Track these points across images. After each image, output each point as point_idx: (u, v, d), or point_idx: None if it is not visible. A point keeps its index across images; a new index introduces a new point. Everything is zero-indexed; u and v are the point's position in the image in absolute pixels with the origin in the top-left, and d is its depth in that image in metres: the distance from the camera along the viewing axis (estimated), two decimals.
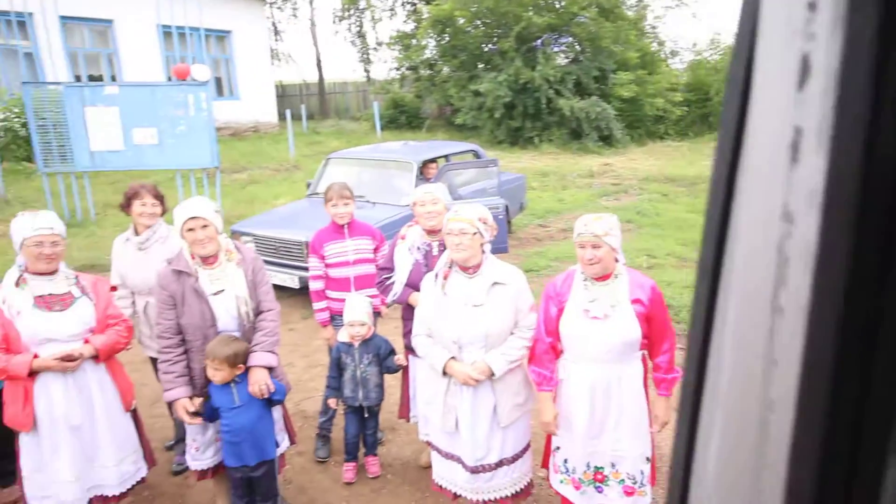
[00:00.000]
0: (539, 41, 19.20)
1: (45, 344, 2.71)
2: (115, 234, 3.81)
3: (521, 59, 18.41)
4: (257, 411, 2.87)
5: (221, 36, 20.84)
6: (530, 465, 2.97)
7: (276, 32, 30.19)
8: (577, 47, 20.02)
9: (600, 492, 2.65)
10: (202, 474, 3.07)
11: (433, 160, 7.20)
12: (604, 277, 2.57)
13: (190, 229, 2.77)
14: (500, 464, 2.80)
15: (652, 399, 2.67)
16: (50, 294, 2.76)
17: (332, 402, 3.47)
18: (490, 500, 2.85)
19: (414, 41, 21.79)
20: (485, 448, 2.76)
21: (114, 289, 3.19)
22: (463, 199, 6.02)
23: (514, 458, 2.83)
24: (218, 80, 20.67)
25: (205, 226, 2.77)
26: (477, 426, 2.74)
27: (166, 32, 18.26)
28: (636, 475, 2.61)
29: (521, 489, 2.89)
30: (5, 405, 2.75)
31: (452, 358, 2.71)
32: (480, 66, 20.50)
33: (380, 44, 28.55)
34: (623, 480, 2.61)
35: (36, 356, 2.67)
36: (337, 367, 3.40)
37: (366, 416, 3.48)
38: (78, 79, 16.03)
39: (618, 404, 2.56)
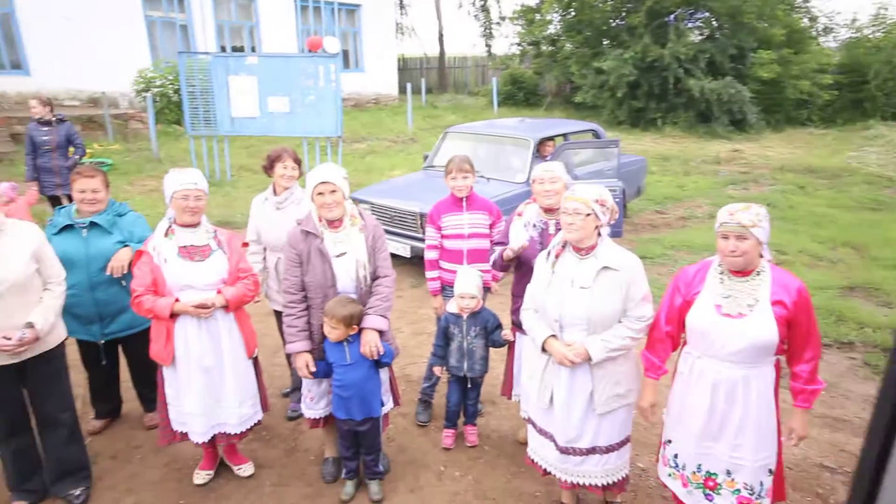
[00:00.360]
0: (672, 16, 18.09)
1: (185, 290, 3.01)
2: (248, 195, 4.13)
3: (651, 35, 17.46)
4: (366, 370, 3.03)
5: (351, 10, 21.58)
6: (627, 460, 2.91)
7: (402, 6, 30.73)
8: (714, 23, 18.64)
9: (710, 500, 2.55)
10: (314, 422, 3.31)
11: (550, 138, 7.08)
12: (744, 273, 2.41)
13: (320, 193, 2.93)
14: (592, 450, 2.77)
15: (784, 409, 2.51)
16: (192, 245, 3.05)
17: (437, 370, 3.58)
18: (580, 485, 2.84)
19: (538, 16, 21.29)
20: (577, 431, 2.75)
21: (245, 245, 3.46)
22: (579, 180, 5.87)
23: (609, 449, 2.78)
24: (345, 53, 21.45)
25: (333, 191, 2.93)
26: (571, 408, 2.72)
27: (303, 6, 19.26)
28: (755, 486, 2.47)
29: (615, 482, 2.84)
30: (152, 341, 3.11)
31: (553, 336, 2.70)
32: (605, 42, 19.71)
33: (503, 18, 28.24)
34: (739, 490, 2.49)
35: (177, 300, 2.98)
36: (444, 337, 3.50)
37: (469, 386, 3.56)
38: (223, 49, 17.29)
39: (742, 409, 2.43)
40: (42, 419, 3.10)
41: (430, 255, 3.82)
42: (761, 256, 2.42)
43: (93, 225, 3.40)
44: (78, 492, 3.18)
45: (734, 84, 17.00)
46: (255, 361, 3.36)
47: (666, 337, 2.61)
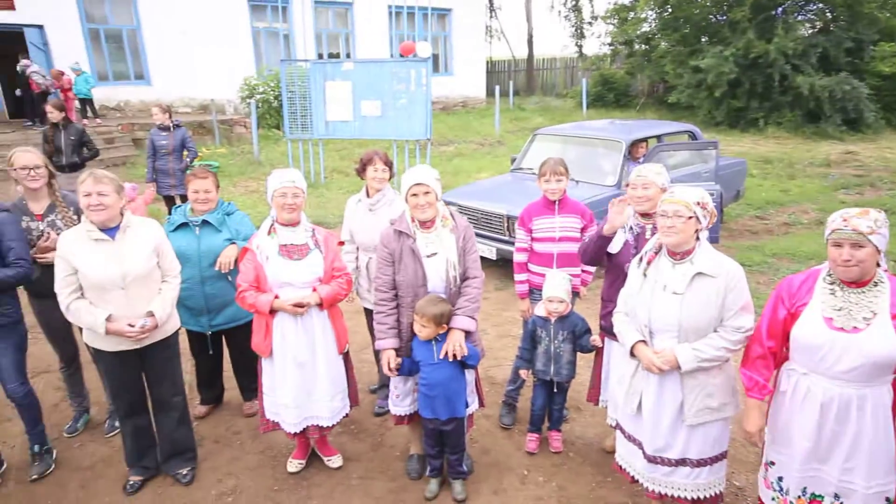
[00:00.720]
0: (780, 9, 16.99)
1: (283, 287, 3.17)
2: (340, 197, 4.28)
3: (755, 30, 16.46)
4: (452, 370, 3.06)
5: (443, 14, 21.90)
6: (723, 477, 2.76)
7: (492, 9, 30.79)
8: (829, 14, 17.30)
9: None
10: (399, 419, 3.38)
11: (644, 140, 6.86)
12: (860, 283, 2.24)
13: (414, 194, 3.01)
14: (682, 462, 2.66)
15: None
16: (291, 244, 3.20)
17: (523, 373, 3.56)
18: (668, 496, 2.73)
19: (632, 14, 20.66)
20: (665, 440, 2.65)
21: (341, 244, 3.58)
22: (673, 184, 5.64)
23: (700, 463, 2.66)
24: (435, 57, 21.78)
25: (427, 192, 3.00)
26: (659, 416, 2.64)
27: (396, 12, 19.77)
28: None
29: (707, 498, 2.71)
30: (253, 333, 3.30)
31: (642, 341, 2.62)
32: (703, 39, 18.82)
33: (595, 17, 27.61)
34: None
35: (276, 297, 3.14)
36: (531, 340, 3.48)
37: (555, 390, 3.52)
38: (320, 56, 18.06)
39: (855, 431, 2.25)
40: (157, 402, 3.37)
41: (519, 257, 3.81)
42: (878, 266, 2.23)
43: (204, 223, 3.66)
44: (185, 471, 3.43)
45: (849, 80, 15.69)
46: (346, 357, 3.48)
47: (768, 353, 2.45)
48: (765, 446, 2.59)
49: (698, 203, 2.49)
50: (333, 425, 3.40)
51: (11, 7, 14.67)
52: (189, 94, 17.19)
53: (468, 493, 3.26)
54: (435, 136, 13.74)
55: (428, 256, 3.05)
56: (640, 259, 2.68)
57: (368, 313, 4.07)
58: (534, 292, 3.78)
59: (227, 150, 14.11)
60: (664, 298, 2.54)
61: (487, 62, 26.36)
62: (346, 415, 3.48)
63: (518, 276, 3.83)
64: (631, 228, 3.10)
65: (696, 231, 2.52)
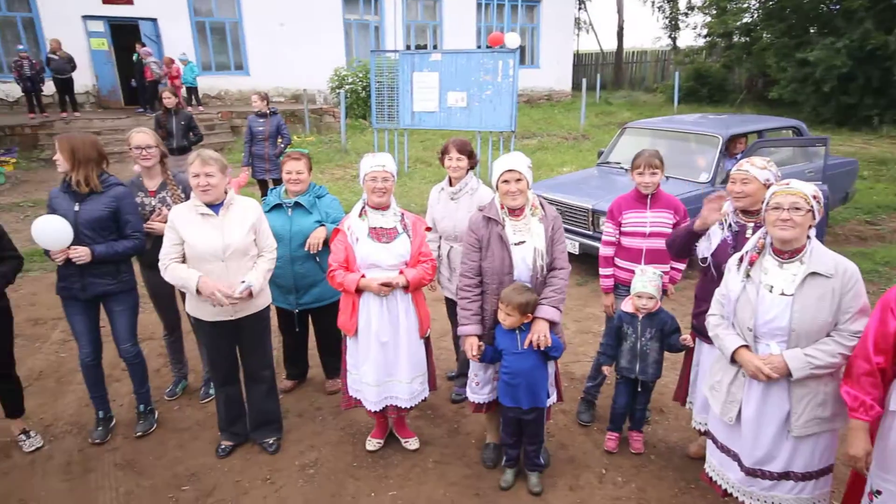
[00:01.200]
0: None
1: (371, 269, 3.25)
2: (422, 186, 4.29)
3: (873, 19, 15.12)
4: (535, 360, 3.03)
5: (531, 6, 21.64)
6: (828, 492, 2.58)
7: (581, 1, 30.10)
8: None
9: None
10: (478, 407, 3.38)
11: (743, 135, 6.48)
12: None
13: (505, 181, 2.99)
14: (785, 475, 2.50)
15: None
16: (381, 227, 3.27)
17: (605, 369, 3.48)
18: None
19: (732, 4, 19.55)
20: (768, 452, 2.50)
21: (428, 229, 3.59)
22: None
23: (806, 477, 2.49)
24: (522, 49, 21.59)
25: (518, 179, 2.97)
26: (762, 426, 2.48)
27: (485, 4, 19.73)
28: None
29: None
30: (340, 312, 3.41)
31: (746, 346, 2.47)
32: (812, 30, 17.52)
33: (691, 8, 26.39)
34: None
35: (363, 276, 3.22)
36: (616, 336, 3.38)
37: (639, 389, 3.42)
38: (408, 48, 18.32)
39: None
40: (248, 373, 3.56)
41: (605, 251, 3.71)
42: None
43: (297, 205, 3.81)
44: (271, 440, 3.60)
45: None
46: (427, 342, 3.52)
47: (875, 370, 2.22)
48: (870, 473, 2.37)
49: (814, 196, 2.33)
50: (411, 407, 3.45)
51: (130, 2, 15.87)
52: (283, 84, 17.95)
53: (544, 487, 3.22)
54: (519, 128, 13.61)
55: (516, 244, 3.02)
56: (741, 259, 2.53)
57: (448, 302, 4.10)
58: (619, 288, 3.67)
59: (316, 138, 14.61)
60: (771, 301, 2.39)
61: (574, 55, 25.78)
62: (425, 399, 3.53)
63: (603, 271, 3.72)
64: (730, 226, 2.93)
65: (810, 227, 2.36)
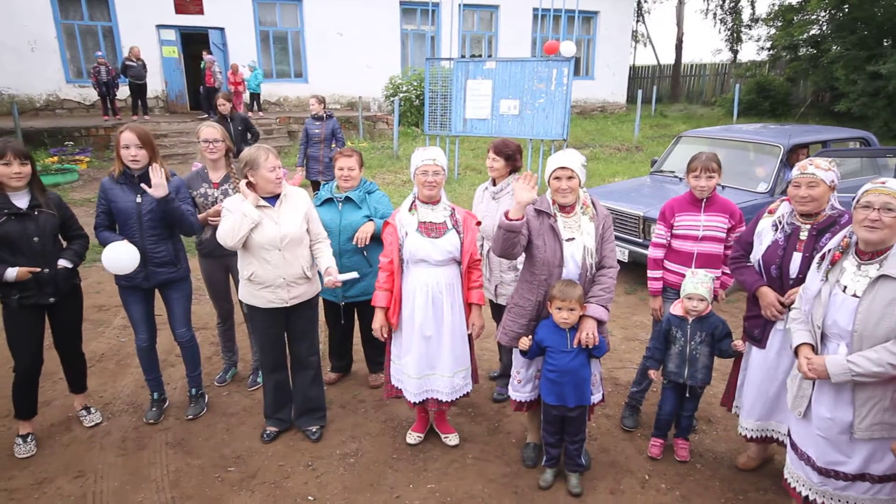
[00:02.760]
0: None
1: (419, 264, 3.28)
2: (471, 192, 4.30)
3: None
4: (582, 358, 3.00)
5: (588, 17, 21.51)
6: None
7: (640, 13, 29.69)
8: None
9: None
10: (519, 405, 3.36)
11: (806, 145, 6.23)
12: None
13: (556, 178, 2.97)
14: (860, 477, 2.40)
15: None
16: (430, 222, 3.29)
17: (652, 373, 3.39)
18: None
19: (800, 15, 18.88)
20: (838, 453, 2.40)
21: (478, 223, 3.56)
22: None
23: (884, 479, 2.38)
24: (577, 60, 21.49)
25: (570, 177, 2.95)
26: (832, 426, 2.40)
27: (542, 15, 19.71)
28: None
29: None
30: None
31: (806, 345, 2.40)
32: (887, 42, 16.72)
33: (755, 20, 25.64)
34: None
35: (394, 310, 3.26)
36: (664, 340, 3.30)
37: (686, 395, 3.32)
38: (463, 58, 18.57)
39: None
40: (295, 360, 3.65)
41: (655, 253, 3.63)
42: None
43: (347, 199, 3.90)
44: (315, 428, 3.68)
45: None
46: (470, 337, 3.50)
47: None
48: None
49: None
50: (452, 402, 3.45)
51: (200, 11, 16.67)
52: (339, 92, 18.42)
53: (584, 489, 3.17)
54: (571, 139, 13.51)
55: (566, 240, 3.00)
56: (822, 258, 2.45)
57: (490, 304, 4.09)
58: (667, 291, 3.59)
59: (369, 144, 14.90)
60: (842, 301, 2.31)
61: (630, 68, 25.42)
62: (467, 394, 3.51)
63: (652, 273, 3.65)
64: (785, 226, 2.83)
65: None
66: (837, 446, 2.40)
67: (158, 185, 3.32)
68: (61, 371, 3.83)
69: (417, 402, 3.43)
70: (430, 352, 3.35)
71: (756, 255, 2.94)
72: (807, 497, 2.56)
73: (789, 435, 2.67)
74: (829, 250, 2.42)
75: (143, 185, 3.36)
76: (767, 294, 2.90)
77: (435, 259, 3.24)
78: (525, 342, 3.07)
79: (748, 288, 3.01)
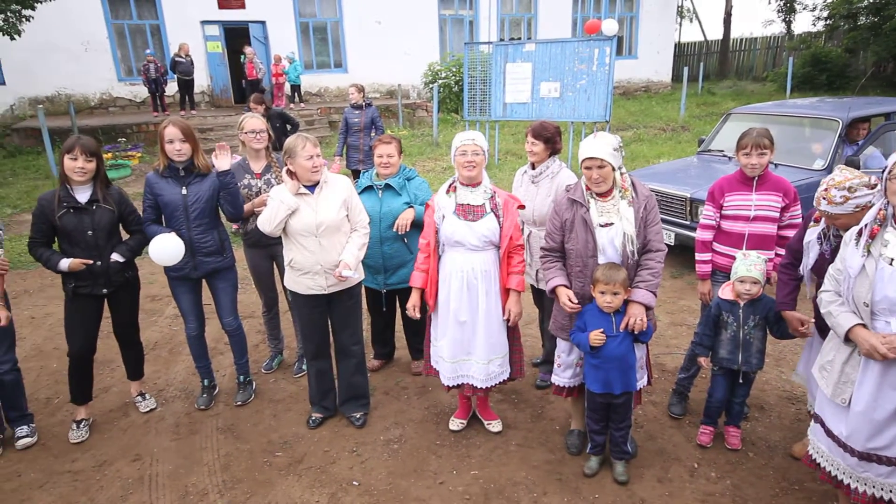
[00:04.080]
0: None
1: (455, 247, 3.25)
2: (511, 177, 4.19)
3: None
4: (628, 343, 2.92)
5: None
6: None
7: None
8: None
9: None
10: (559, 390, 3.30)
11: (866, 119, 5.90)
12: None
13: (587, 168, 2.89)
14: None
15: None
16: (468, 204, 3.24)
17: (702, 360, 3.28)
18: (883, 500, 2.35)
19: None
20: (881, 437, 2.29)
21: (521, 207, 3.50)
22: None
23: None
24: (619, 39, 20.96)
25: (600, 166, 2.85)
26: (878, 409, 2.27)
27: None
28: None
29: None
30: (424, 286, 3.40)
31: (862, 325, 2.27)
32: None
33: None
34: None
35: (430, 291, 3.26)
36: (714, 325, 3.19)
37: (739, 381, 3.21)
38: (502, 41, 18.34)
39: None
40: (339, 348, 3.69)
41: (703, 234, 3.50)
42: None
43: (387, 187, 3.90)
44: (359, 415, 3.72)
45: None
46: (515, 326, 3.44)
47: None
48: None
49: None
50: (488, 388, 3.41)
51: (242, 6, 16.97)
52: (379, 81, 18.48)
53: (630, 477, 3.11)
54: (613, 121, 13.21)
55: (602, 226, 2.91)
56: (860, 232, 2.31)
57: (532, 288, 4.04)
58: (716, 274, 3.47)
59: (409, 132, 14.92)
60: (891, 274, 2.18)
61: (676, 45, 24.59)
62: (504, 381, 3.45)
63: (701, 256, 3.52)
64: (829, 238, 2.70)
65: None
66: (880, 429, 2.28)
67: (223, 160, 3.52)
68: (119, 359, 3.99)
69: (452, 385, 3.43)
70: (465, 337, 3.33)
71: (805, 267, 2.81)
72: (842, 482, 2.44)
73: (821, 422, 2.53)
74: (867, 224, 2.29)
75: (213, 155, 3.55)
76: (791, 321, 2.97)
77: (471, 243, 3.20)
78: (568, 295, 2.96)
79: (777, 305, 3.04)
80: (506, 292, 3.30)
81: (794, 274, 2.98)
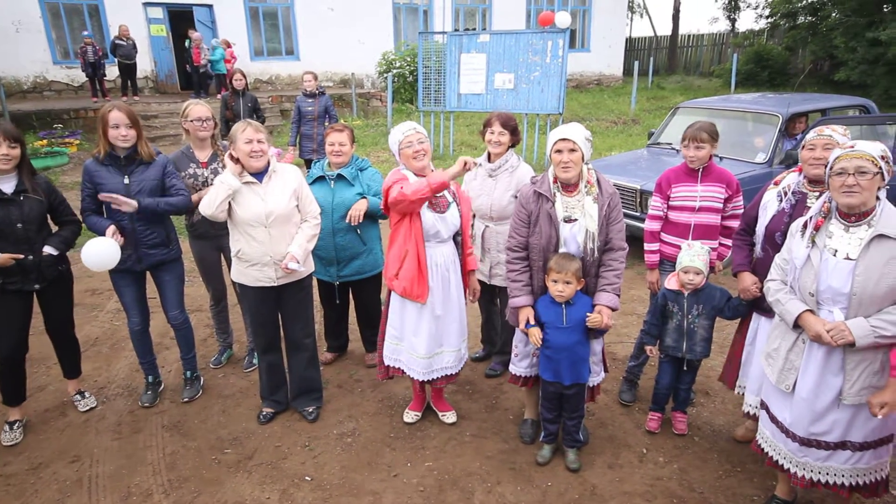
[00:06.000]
0: None
1: (430, 240, 3.21)
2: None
3: None
4: (578, 336, 2.94)
5: None
6: (887, 462, 2.46)
7: None
8: None
9: None
10: (515, 379, 3.33)
11: (804, 114, 6.14)
12: None
13: (558, 150, 2.85)
14: (842, 445, 2.39)
15: None
16: (435, 196, 3.17)
17: (649, 350, 3.36)
18: (820, 483, 2.46)
19: None
20: (823, 421, 2.39)
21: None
22: None
23: (864, 447, 2.38)
24: (572, 33, 21.19)
25: (572, 150, 2.82)
26: (819, 395, 2.37)
27: None
28: None
29: (868, 483, 2.43)
30: (399, 279, 3.26)
31: (810, 311, 2.35)
32: (886, 8, 16.49)
33: None
34: None
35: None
36: (660, 315, 3.27)
37: (684, 368, 3.30)
38: (457, 31, 18.26)
39: None
40: (290, 341, 3.61)
41: (651, 225, 3.58)
42: None
43: (339, 177, 3.83)
44: (311, 409, 3.66)
45: None
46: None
47: None
48: None
49: (882, 157, 2.20)
50: (459, 372, 3.47)
51: None
52: (332, 69, 18.14)
53: (582, 464, 3.16)
54: (566, 113, 13.35)
55: (566, 221, 2.90)
56: (805, 224, 2.40)
57: (481, 285, 4.02)
58: (664, 264, 3.55)
59: (363, 122, 14.72)
60: (835, 265, 2.27)
61: (627, 40, 25.07)
62: (468, 359, 3.53)
63: (649, 246, 3.59)
64: (791, 195, 2.78)
65: (878, 189, 2.24)
66: (821, 415, 2.38)
67: (124, 203, 3.26)
68: (55, 356, 3.80)
69: (426, 380, 3.41)
70: (440, 330, 3.33)
71: (761, 226, 2.90)
72: (782, 466, 2.55)
73: (766, 409, 2.63)
74: (811, 217, 2.39)
75: (112, 203, 3.28)
76: (744, 279, 3.03)
77: (444, 235, 3.21)
78: (528, 317, 3.00)
79: (733, 268, 3.11)
80: (466, 275, 3.38)
81: (748, 240, 3.09)
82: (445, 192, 3.22)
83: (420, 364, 3.35)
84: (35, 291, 3.38)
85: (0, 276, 3.22)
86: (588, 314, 2.88)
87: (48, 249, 3.29)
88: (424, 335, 3.29)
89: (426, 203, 3.13)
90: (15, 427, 3.50)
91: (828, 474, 2.43)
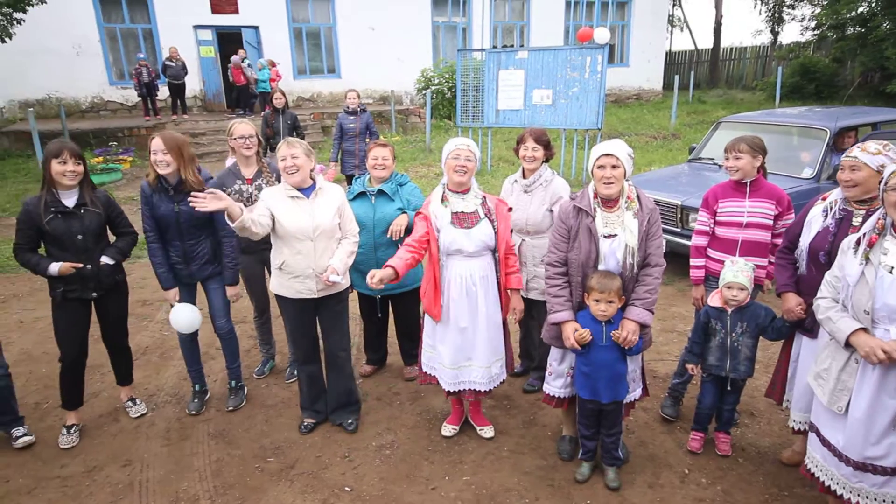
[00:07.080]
0: None
1: (454, 255, 3.26)
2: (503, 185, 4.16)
3: None
4: (616, 354, 2.93)
5: (623, 2, 21.10)
6: None
7: None
8: None
9: None
10: (549, 399, 3.32)
11: (853, 128, 5.97)
12: None
13: (600, 166, 2.87)
14: None
15: None
16: (462, 212, 3.27)
17: (691, 368, 3.30)
18: None
19: None
20: (876, 446, 2.30)
21: (510, 210, 3.52)
22: None
23: None
24: (611, 48, 21.13)
25: (615, 166, 2.84)
26: (875, 417, 2.28)
27: (575, 3, 19.41)
28: None
29: None
30: (422, 296, 3.41)
31: (864, 329, 2.29)
32: None
33: None
34: None
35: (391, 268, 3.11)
36: (703, 332, 3.21)
37: (728, 388, 3.23)
38: (495, 48, 18.43)
39: None
40: (327, 354, 3.68)
41: (698, 240, 3.53)
42: None
43: (380, 192, 3.91)
44: (350, 420, 3.71)
45: None
46: (504, 325, 3.47)
47: None
48: None
49: None
50: (490, 391, 3.44)
51: (236, 11, 16.96)
52: (372, 86, 18.53)
53: (622, 483, 3.12)
54: (605, 128, 13.28)
55: (606, 237, 2.90)
56: (858, 241, 2.35)
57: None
58: (710, 280, 3.49)
59: (402, 138, 14.94)
60: (891, 282, 2.20)
61: (667, 54, 24.81)
62: (503, 381, 3.49)
63: (695, 261, 3.54)
64: (837, 212, 2.72)
65: None
66: (876, 438, 2.30)
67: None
68: (109, 363, 3.97)
69: (453, 391, 3.43)
70: (466, 343, 3.34)
71: (804, 242, 2.84)
72: (835, 492, 2.46)
73: (817, 432, 2.55)
74: (865, 234, 2.33)
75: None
76: (789, 300, 2.95)
77: (469, 250, 3.23)
78: (574, 331, 2.94)
79: (777, 288, 3.03)
80: (505, 293, 3.37)
81: (791, 258, 3.02)
82: (478, 208, 3.27)
83: (447, 374, 3.39)
84: (93, 300, 3.56)
85: (61, 284, 3.40)
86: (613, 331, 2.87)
87: (105, 259, 3.47)
88: (449, 345, 3.34)
89: (450, 219, 3.24)
90: (72, 431, 3.66)
91: (884, 501, 2.34)
